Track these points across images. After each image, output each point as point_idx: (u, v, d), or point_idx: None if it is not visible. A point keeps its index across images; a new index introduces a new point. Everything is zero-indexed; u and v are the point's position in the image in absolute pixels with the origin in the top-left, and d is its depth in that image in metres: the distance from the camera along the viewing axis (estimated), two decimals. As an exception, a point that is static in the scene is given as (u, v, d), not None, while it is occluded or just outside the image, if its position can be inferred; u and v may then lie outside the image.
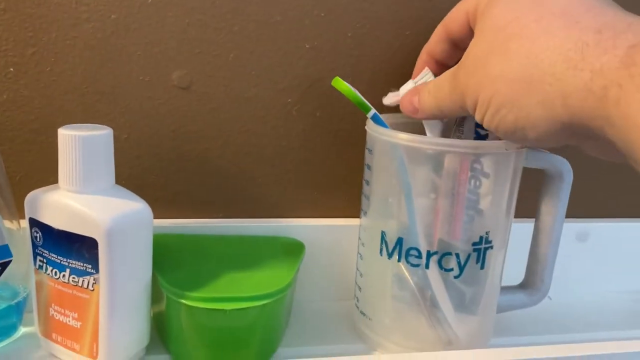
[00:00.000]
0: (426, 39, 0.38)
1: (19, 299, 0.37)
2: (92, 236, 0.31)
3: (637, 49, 0.24)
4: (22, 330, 0.38)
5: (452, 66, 0.33)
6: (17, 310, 0.37)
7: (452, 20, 0.35)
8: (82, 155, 0.32)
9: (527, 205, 0.40)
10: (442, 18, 0.37)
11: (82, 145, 0.31)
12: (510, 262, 0.39)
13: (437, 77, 0.34)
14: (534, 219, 0.40)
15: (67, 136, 0.31)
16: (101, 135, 0.32)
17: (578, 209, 0.47)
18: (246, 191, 0.43)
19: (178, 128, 0.41)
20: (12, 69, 0.38)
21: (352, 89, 0.36)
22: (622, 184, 0.50)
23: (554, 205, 0.39)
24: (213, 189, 0.43)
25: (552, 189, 0.39)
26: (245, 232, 0.42)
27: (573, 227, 0.48)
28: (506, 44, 0.29)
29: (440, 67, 0.37)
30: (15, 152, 0.39)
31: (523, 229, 0.40)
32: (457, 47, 0.36)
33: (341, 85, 0.36)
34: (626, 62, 0.24)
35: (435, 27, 0.37)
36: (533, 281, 0.41)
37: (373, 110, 0.37)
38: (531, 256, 0.41)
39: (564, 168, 0.38)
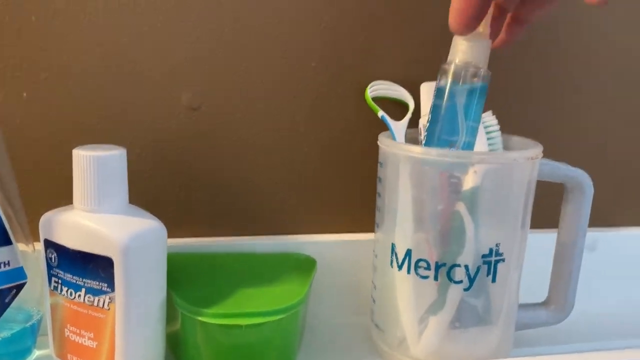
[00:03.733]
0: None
1: (33, 321, 0.37)
2: (108, 255, 0.31)
3: None
4: (37, 353, 0.38)
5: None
6: (31, 333, 0.37)
7: None
8: (96, 175, 0.32)
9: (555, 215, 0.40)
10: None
11: (97, 165, 0.32)
12: (536, 276, 0.40)
13: None
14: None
15: (82, 156, 0.32)
16: (115, 155, 0.33)
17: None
18: (256, 208, 0.44)
19: (186, 148, 0.42)
20: (25, 94, 0.38)
21: (371, 99, 0.41)
22: (627, 193, 0.51)
23: (575, 219, 0.39)
24: (224, 207, 0.43)
25: (572, 203, 0.39)
26: (257, 250, 0.43)
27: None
28: None
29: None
30: (28, 175, 0.39)
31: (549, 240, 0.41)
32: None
33: (366, 95, 0.42)
34: None
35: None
36: (556, 298, 0.41)
37: (381, 112, 0.40)
38: (554, 273, 0.41)
39: (584, 181, 0.38)
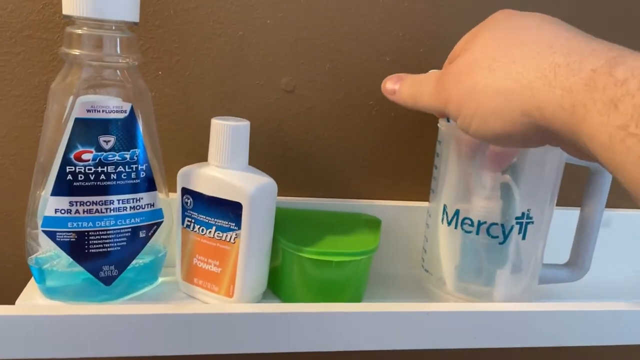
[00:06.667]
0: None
1: (161, 254, 0.47)
2: (239, 200, 0.41)
3: (597, 73, 0.28)
4: (161, 279, 0.48)
5: None
6: (159, 264, 0.47)
7: None
8: (230, 140, 0.42)
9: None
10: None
11: (231, 132, 0.42)
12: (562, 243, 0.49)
13: (421, 75, 0.40)
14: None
15: (220, 125, 0.42)
16: (244, 125, 0.42)
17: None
18: (334, 175, 0.53)
19: (282, 122, 0.51)
20: (160, 72, 0.48)
21: None
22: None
23: (595, 198, 0.48)
24: (308, 173, 0.53)
25: (594, 185, 0.48)
26: (336, 209, 0.52)
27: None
28: (490, 62, 0.33)
29: None
30: (165, 136, 0.49)
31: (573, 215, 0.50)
32: None
33: None
34: (590, 85, 0.28)
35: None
36: (576, 261, 0.50)
37: None
38: (576, 240, 0.50)
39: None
